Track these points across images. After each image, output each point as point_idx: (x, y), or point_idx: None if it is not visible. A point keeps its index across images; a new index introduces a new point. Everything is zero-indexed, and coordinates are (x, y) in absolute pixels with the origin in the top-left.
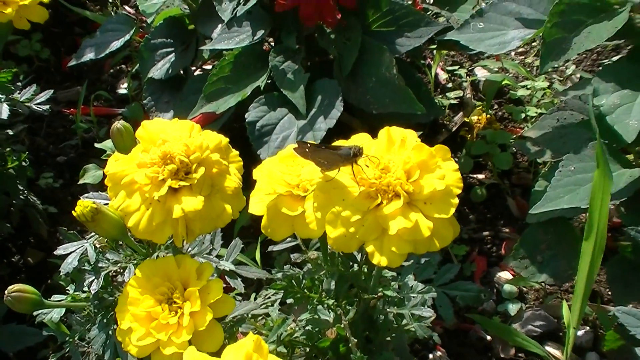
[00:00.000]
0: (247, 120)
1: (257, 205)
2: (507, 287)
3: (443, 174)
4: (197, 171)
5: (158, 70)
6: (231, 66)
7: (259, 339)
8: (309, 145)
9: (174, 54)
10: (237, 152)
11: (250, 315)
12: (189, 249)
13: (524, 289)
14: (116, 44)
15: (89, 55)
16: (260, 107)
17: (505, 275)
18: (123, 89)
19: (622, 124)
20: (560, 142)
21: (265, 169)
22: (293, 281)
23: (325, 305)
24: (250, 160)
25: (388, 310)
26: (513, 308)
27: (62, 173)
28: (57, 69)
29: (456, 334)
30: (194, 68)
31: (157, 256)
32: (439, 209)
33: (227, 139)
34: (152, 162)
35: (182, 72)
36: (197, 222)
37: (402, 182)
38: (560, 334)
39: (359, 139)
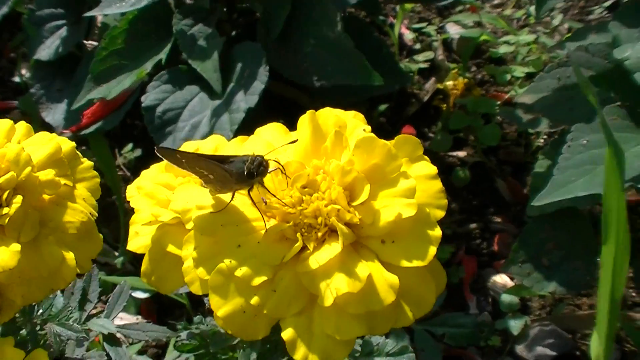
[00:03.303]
0: (143, 104)
1: (137, 239)
2: (506, 298)
3: (411, 186)
4: (10, 203)
5: (46, 50)
6: (125, 35)
7: None
8: (180, 149)
9: (65, 27)
10: (91, 164)
11: None
12: (40, 310)
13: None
14: None
15: None
16: (163, 87)
17: (501, 279)
18: (18, 76)
19: None
20: (565, 108)
21: (145, 184)
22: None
23: None
24: None
25: None
26: (516, 325)
27: None
28: None
29: None
30: (95, 44)
31: None
32: (409, 252)
33: (73, 144)
34: None
35: (77, 50)
36: (17, 287)
37: (340, 207)
38: (577, 352)
39: (267, 134)
